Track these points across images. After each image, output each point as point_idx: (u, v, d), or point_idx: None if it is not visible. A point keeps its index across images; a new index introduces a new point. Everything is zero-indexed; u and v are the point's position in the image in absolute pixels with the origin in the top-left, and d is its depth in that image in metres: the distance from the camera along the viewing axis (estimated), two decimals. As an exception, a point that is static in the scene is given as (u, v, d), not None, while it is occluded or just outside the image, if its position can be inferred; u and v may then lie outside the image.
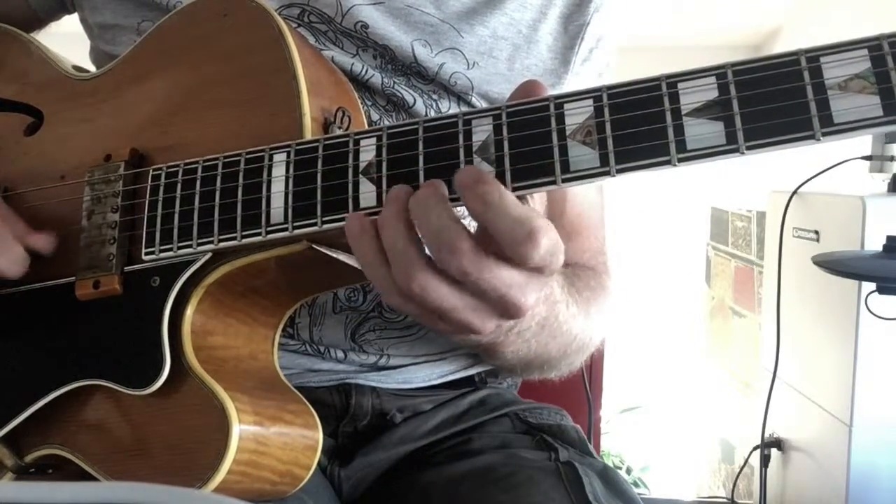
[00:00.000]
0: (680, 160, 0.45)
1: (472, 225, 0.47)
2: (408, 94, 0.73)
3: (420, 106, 0.74)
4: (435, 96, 0.75)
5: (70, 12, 0.86)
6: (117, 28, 0.77)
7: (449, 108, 0.75)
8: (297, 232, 0.52)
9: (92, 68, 0.77)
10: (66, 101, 0.69)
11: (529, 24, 0.78)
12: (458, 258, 0.45)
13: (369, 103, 0.73)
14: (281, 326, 0.65)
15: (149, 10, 0.74)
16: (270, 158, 0.54)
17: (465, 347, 0.63)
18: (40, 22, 0.87)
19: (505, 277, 0.47)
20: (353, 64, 0.72)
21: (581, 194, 0.82)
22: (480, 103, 0.75)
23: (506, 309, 0.48)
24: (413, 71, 0.74)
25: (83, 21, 0.83)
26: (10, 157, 0.69)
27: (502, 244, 0.45)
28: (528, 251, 0.44)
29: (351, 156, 0.52)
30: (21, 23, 0.79)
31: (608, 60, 0.83)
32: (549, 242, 0.45)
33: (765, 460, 2.22)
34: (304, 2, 0.72)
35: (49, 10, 0.86)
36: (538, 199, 0.49)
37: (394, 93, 0.73)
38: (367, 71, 0.72)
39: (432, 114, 0.74)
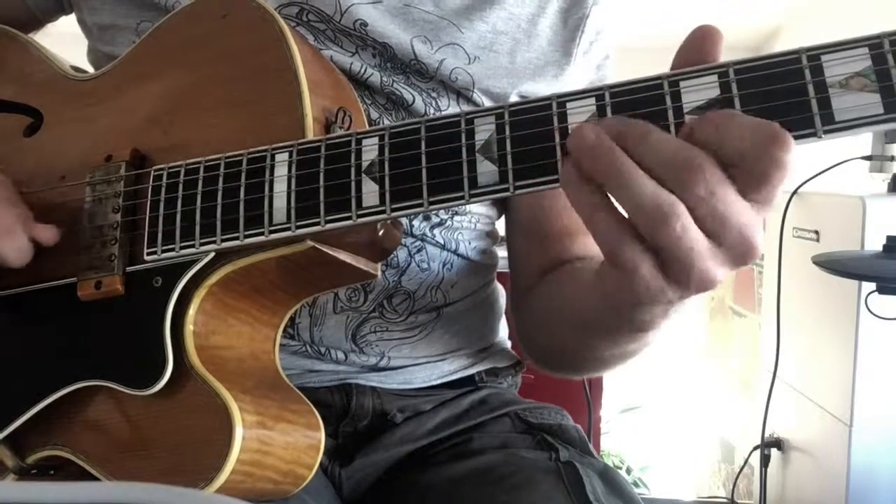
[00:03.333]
0: (682, 158, 0.45)
1: None
2: (407, 93, 0.73)
3: (419, 104, 0.74)
4: (434, 94, 0.75)
5: (68, 13, 0.86)
6: (116, 29, 0.76)
7: (448, 106, 0.75)
8: (299, 231, 0.53)
9: (90, 69, 0.77)
10: (65, 101, 0.69)
11: (528, 19, 0.78)
12: (703, 175, 0.42)
13: (368, 102, 0.73)
14: (282, 326, 0.65)
15: (148, 11, 0.73)
16: (273, 158, 0.54)
17: (647, 328, 0.55)
18: (38, 22, 0.87)
19: (743, 209, 0.43)
20: (352, 63, 0.72)
21: None
22: (481, 99, 0.76)
23: (743, 250, 0.45)
24: (412, 69, 0.74)
25: (81, 21, 0.82)
26: (10, 158, 0.68)
27: (746, 157, 0.42)
28: (777, 152, 0.42)
29: (353, 155, 0.52)
30: (18, 23, 0.78)
31: (607, 53, 0.84)
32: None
33: (765, 460, 2.22)
34: (302, 0, 0.72)
35: (47, 10, 0.85)
36: None
37: (393, 91, 0.73)
38: (366, 70, 0.72)
39: (431, 112, 0.74)
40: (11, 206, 0.61)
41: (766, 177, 0.43)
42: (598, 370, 0.77)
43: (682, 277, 0.45)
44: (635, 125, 0.45)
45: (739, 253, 0.45)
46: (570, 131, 0.47)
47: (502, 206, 0.85)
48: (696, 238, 0.44)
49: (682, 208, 0.43)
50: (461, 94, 0.75)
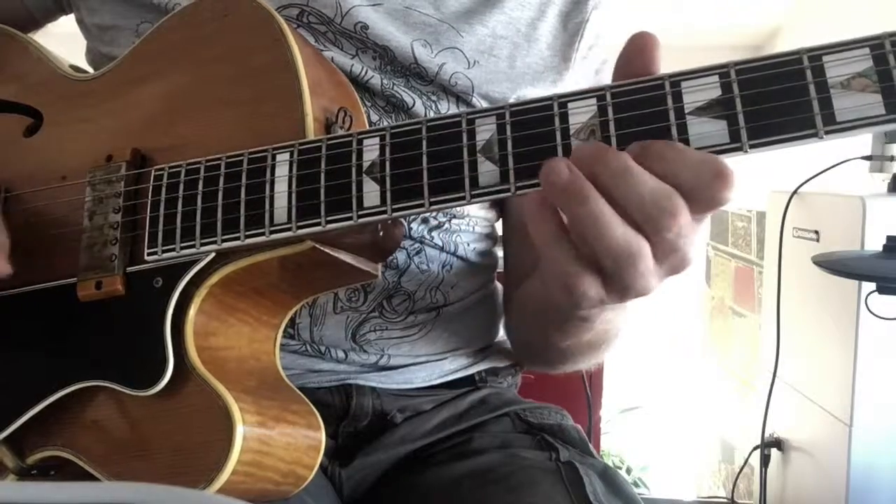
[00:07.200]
0: (683, 159, 0.45)
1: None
2: (407, 96, 0.73)
3: (419, 107, 0.74)
4: (434, 97, 0.75)
5: (66, 13, 0.85)
6: (116, 29, 0.76)
7: (448, 109, 0.75)
8: (300, 232, 0.52)
9: (89, 69, 0.77)
10: (65, 101, 0.69)
11: (528, 23, 0.78)
12: (679, 220, 0.44)
13: (368, 104, 0.73)
14: (283, 326, 0.65)
15: (147, 12, 0.73)
16: (273, 158, 0.54)
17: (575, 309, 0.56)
18: (36, 23, 0.87)
19: (692, 231, 0.46)
20: (352, 65, 0.72)
21: None
22: (481, 104, 0.75)
23: (682, 267, 0.48)
24: (413, 72, 0.74)
25: (80, 22, 0.82)
26: (10, 158, 0.68)
27: (689, 190, 0.44)
28: (720, 192, 0.44)
29: (354, 155, 0.52)
30: (17, 23, 0.78)
31: (605, 57, 0.84)
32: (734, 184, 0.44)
33: (765, 460, 2.22)
34: (303, 2, 0.72)
35: (45, 10, 0.85)
36: None
37: (393, 94, 0.73)
38: (366, 72, 0.72)
39: (431, 115, 0.74)
40: None
41: (711, 206, 0.45)
42: (565, 363, 0.78)
43: (623, 291, 0.49)
44: (612, 160, 0.45)
45: (677, 268, 0.48)
46: (571, 133, 0.47)
47: (501, 209, 0.85)
48: (649, 266, 0.46)
49: (647, 249, 0.46)
50: (461, 98, 0.75)
